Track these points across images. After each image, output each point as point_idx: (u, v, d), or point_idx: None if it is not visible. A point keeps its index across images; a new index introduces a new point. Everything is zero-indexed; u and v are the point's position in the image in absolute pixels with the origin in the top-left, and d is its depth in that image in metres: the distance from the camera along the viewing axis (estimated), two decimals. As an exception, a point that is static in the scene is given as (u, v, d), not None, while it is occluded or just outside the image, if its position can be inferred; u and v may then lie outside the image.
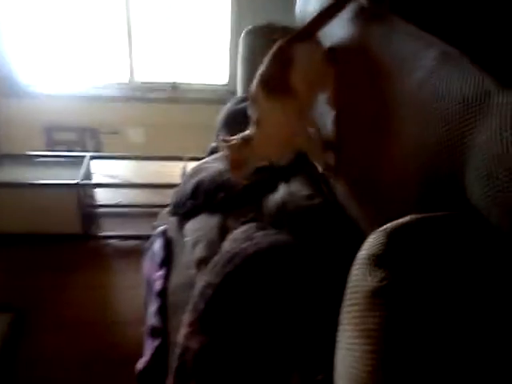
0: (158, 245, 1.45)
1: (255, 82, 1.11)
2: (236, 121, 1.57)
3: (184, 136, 3.33)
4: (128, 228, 2.18)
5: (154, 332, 1.23)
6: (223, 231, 1.23)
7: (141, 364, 1.18)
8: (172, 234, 1.49)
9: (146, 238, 2.03)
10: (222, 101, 3.25)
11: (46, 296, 1.80)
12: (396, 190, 0.93)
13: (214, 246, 1.19)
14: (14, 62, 3.22)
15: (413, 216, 0.71)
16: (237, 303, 0.97)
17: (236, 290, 0.98)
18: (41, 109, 3.31)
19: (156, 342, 1.20)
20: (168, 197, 2.19)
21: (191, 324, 1.02)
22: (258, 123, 1.11)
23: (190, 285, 1.22)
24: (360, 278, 0.63)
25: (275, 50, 1.08)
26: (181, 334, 1.04)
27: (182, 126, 3.39)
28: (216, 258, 1.10)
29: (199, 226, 1.30)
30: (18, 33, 3.18)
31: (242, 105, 1.60)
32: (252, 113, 1.12)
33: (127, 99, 3.34)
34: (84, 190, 2.05)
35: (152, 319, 1.25)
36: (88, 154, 2.18)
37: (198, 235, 1.28)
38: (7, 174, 2.06)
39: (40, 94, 3.34)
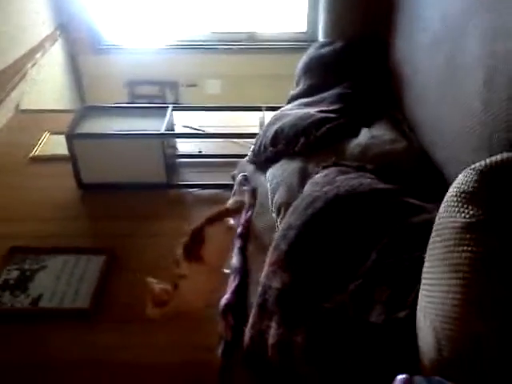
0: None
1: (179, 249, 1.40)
2: (319, 66, 1.55)
3: (260, 86, 3.33)
4: (207, 177, 2.25)
5: (235, 271, 1.29)
6: (303, 176, 1.23)
7: (224, 301, 1.25)
8: (253, 180, 1.52)
9: (225, 186, 2.11)
10: (299, 49, 3.20)
11: (132, 241, 1.92)
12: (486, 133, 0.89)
13: (294, 191, 1.21)
14: (96, 20, 3.35)
15: (506, 154, 0.68)
16: (319, 244, 0.99)
17: (318, 232, 1.00)
18: (123, 64, 3.45)
19: (236, 281, 1.26)
20: (245, 147, 2.24)
21: (273, 264, 1.05)
22: (182, 277, 1.38)
23: (272, 228, 1.26)
24: (450, 214, 0.62)
25: (193, 229, 1.39)
26: (263, 273, 1.08)
27: (258, 77, 3.39)
28: (297, 202, 1.12)
29: (280, 172, 1.32)
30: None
31: (325, 49, 1.56)
32: (177, 270, 1.39)
33: (205, 51, 3.37)
34: (167, 140, 2.13)
35: (233, 259, 1.31)
36: (170, 105, 2.24)
37: (278, 180, 1.30)
38: (93, 125, 2.16)
39: (122, 49, 3.47)
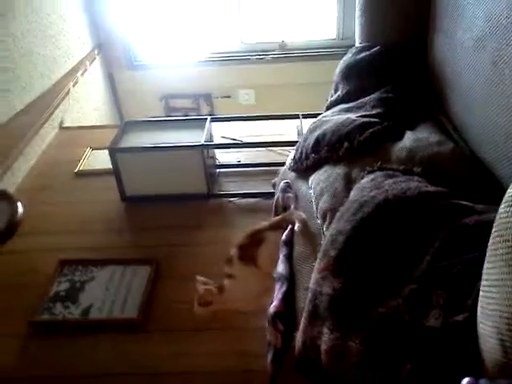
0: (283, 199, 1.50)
1: (234, 248, 1.45)
2: (357, 71, 1.55)
3: (294, 95, 3.36)
4: (247, 187, 2.28)
5: (282, 278, 1.29)
6: (348, 181, 1.23)
7: (272, 308, 1.26)
8: (295, 188, 1.52)
9: (265, 195, 2.13)
10: (330, 56, 3.21)
11: (176, 251, 1.95)
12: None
13: (339, 196, 1.21)
14: (131, 38, 3.45)
15: None
16: (369, 249, 0.98)
17: (368, 237, 1.00)
18: (158, 79, 3.55)
19: (284, 288, 1.26)
20: (283, 155, 2.25)
21: (322, 270, 1.05)
22: (230, 277, 1.43)
23: (316, 234, 1.27)
24: (511, 214, 0.62)
25: (252, 231, 1.44)
26: (312, 280, 1.08)
27: (290, 85, 3.41)
28: (344, 208, 1.12)
29: (323, 178, 1.32)
30: (133, 12, 3.38)
31: (363, 54, 1.56)
32: (226, 269, 1.44)
33: (237, 62, 3.42)
34: (207, 150, 2.16)
35: (279, 266, 1.32)
36: (209, 117, 2.28)
37: (322, 187, 1.30)
38: (134, 139, 2.21)
39: (156, 65, 3.56)
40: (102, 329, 1.65)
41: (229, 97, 3.57)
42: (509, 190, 0.65)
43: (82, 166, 2.50)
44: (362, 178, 1.17)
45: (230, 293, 1.43)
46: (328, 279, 1.01)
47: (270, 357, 1.21)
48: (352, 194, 1.15)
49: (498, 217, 0.65)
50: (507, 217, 0.63)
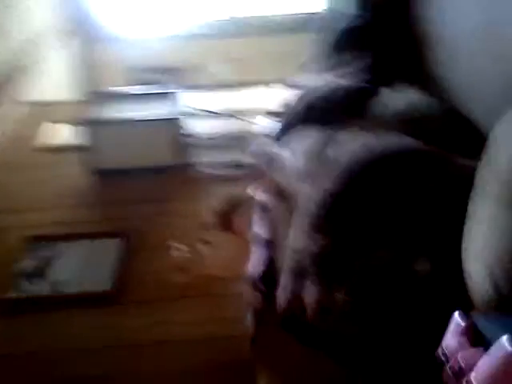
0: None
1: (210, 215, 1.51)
2: (346, 39, 1.53)
3: (272, 69, 3.28)
4: (219, 157, 2.24)
5: (261, 241, 1.28)
6: (332, 143, 1.22)
7: (251, 270, 1.25)
8: (273, 153, 1.50)
9: (238, 165, 2.10)
10: (311, 30, 3.16)
11: (148, 223, 1.91)
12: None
13: (321, 158, 1.20)
14: (98, 9, 3.33)
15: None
16: (355, 206, 0.98)
17: (353, 194, 0.99)
18: (125, 51, 3.42)
19: (263, 250, 1.26)
20: (256, 125, 2.22)
21: (305, 228, 1.04)
22: (207, 243, 1.47)
23: (296, 196, 1.25)
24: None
25: (229, 198, 1.52)
26: (294, 239, 1.07)
27: (268, 59, 3.34)
28: (327, 168, 1.10)
29: (303, 142, 1.30)
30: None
31: (351, 22, 1.54)
32: (203, 235, 1.48)
33: (214, 36, 3.35)
34: (179, 122, 2.11)
35: (258, 229, 1.31)
36: (180, 88, 2.23)
37: (302, 150, 1.28)
38: (104, 111, 2.14)
39: (123, 37, 3.44)
40: (74, 303, 1.60)
41: (201, 71, 3.49)
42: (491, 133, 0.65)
43: (48, 141, 2.41)
44: (347, 140, 1.16)
45: (206, 259, 1.41)
46: (313, 237, 1.01)
47: (250, 318, 1.21)
48: (335, 154, 1.14)
49: (485, 157, 0.66)
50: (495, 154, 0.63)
